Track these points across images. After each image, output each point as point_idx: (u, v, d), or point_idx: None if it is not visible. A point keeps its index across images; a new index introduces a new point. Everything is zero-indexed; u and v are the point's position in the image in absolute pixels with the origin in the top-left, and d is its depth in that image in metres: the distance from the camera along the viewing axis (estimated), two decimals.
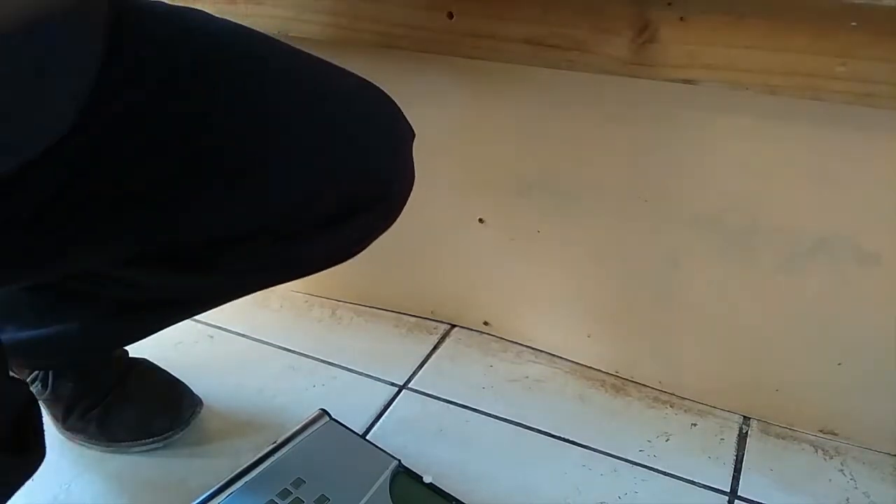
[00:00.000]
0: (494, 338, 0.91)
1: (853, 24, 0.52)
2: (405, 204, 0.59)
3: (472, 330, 0.92)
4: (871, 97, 0.54)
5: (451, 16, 0.65)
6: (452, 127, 0.78)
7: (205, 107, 0.50)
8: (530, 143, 0.75)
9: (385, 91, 0.57)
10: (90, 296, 0.63)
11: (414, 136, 0.58)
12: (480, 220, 0.83)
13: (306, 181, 0.52)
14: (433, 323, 0.94)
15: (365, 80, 0.57)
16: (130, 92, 0.48)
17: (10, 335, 0.64)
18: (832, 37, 0.54)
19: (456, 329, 0.93)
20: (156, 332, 0.66)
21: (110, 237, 0.52)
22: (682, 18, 0.57)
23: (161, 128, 0.49)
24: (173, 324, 0.66)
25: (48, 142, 0.45)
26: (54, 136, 0.45)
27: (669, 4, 0.57)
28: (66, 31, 0.42)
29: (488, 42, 0.65)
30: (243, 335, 0.91)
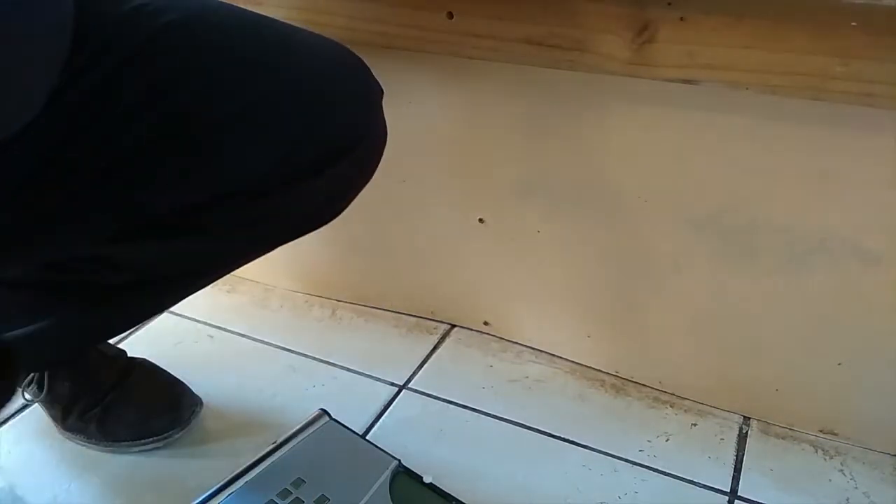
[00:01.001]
0: (494, 338, 0.91)
1: (853, 24, 0.52)
2: (380, 157, 0.60)
3: (472, 330, 0.92)
4: (870, 97, 0.54)
5: (450, 16, 0.65)
6: (453, 126, 0.78)
7: (171, 73, 0.50)
8: (530, 142, 0.75)
9: (361, 58, 0.58)
10: (77, 284, 0.62)
11: (383, 93, 0.59)
12: (480, 220, 0.83)
13: (277, 137, 0.52)
14: (433, 323, 0.94)
15: (332, 40, 0.57)
16: (96, 70, 0.48)
17: None
18: (832, 37, 0.54)
19: (456, 329, 0.93)
20: (151, 315, 0.66)
21: (90, 211, 0.52)
22: (681, 18, 0.57)
23: (130, 99, 0.49)
24: (168, 305, 0.65)
25: (18, 124, 0.45)
26: (25, 119, 0.45)
27: (669, 4, 0.57)
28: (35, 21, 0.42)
29: (488, 42, 0.66)
30: (243, 335, 0.91)
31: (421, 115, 0.71)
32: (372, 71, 0.58)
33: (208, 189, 0.53)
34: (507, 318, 0.89)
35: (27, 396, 0.72)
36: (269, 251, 0.63)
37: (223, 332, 0.91)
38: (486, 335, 0.91)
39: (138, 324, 0.66)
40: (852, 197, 0.63)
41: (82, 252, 0.60)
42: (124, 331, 0.70)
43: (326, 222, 0.61)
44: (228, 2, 0.56)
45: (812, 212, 0.65)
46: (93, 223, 0.53)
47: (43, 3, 0.43)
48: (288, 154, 0.53)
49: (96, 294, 0.63)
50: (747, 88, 0.57)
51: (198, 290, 0.66)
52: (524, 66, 0.66)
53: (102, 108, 0.49)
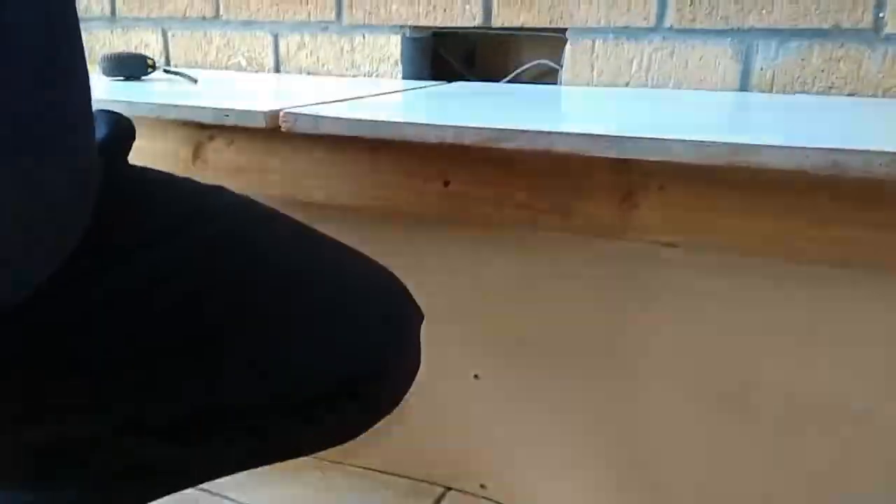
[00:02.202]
0: (492, 502, 0.87)
1: (823, 192, 0.56)
2: (409, 387, 0.57)
3: (467, 493, 0.89)
4: (846, 261, 0.56)
5: (446, 183, 0.70)
6: (448, 285, 0.80)
7: (201, 285, 0.51)
8: (525, 301, 0.77)
9: (390, 270, 0.58)
10: (82, 461, 0.61)
11: (422, 318, 0.58)
12: (476, 377, 0.83)
13: (301, 359, 0.51)
14: (426, 485, 0.90)
15: (369, 258, 0.58)
16: (118, 276, 0.49)
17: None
18: (804, 205, 0.57)
19: (451, 493, 0.89)
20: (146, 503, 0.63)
21: (104, 403, 0.51)
22: (661, 187, 0.61)
23: (156, 307, 0.50)
24: (163, 495, 0.63)
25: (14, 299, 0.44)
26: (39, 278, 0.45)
27: (649, 174, 0.61)
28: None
29: (483, 207, 0.69)
30: (233, 500, 0.87)
31: (418, 276, 0.73)
32: (409, 292, 0.57)
33: (227, 400, 0.53)
34: (506, 481, 0.86)
35: None
36: (275, 462, 0.61)
37: (208, 494, 0.88)
38: (483, 499, 0.88)
39: None
40: (840, 356, 0.64)
41: (91, 436, 0.59)
42: None
43: (339, 444, 0.59)
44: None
45: (801, 371, 0.66)
46: (104, 416, 0.53)
47: (61, 154, 0.42)
48: (311, 377, 0.52)
49: (101, 473, 0.61)
50: (728, 253, 0.60)
51: (194, 485, 0.64)
52: (516, 229, 0.69)
53: (127, 308, 0.49)
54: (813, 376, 0.65)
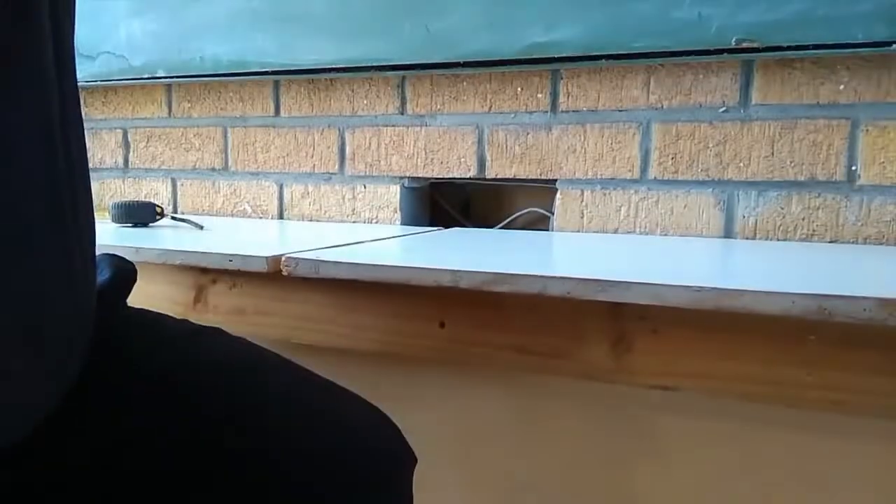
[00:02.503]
0: None
1: (811, 337, 0.57)
2: None
3: None
4: (840, 405, 0.56)
5: (442, 325, 0.71)
6: (443, 429, 0.79)
7: (195, 432, 0.50)
8: (520, 445, 0.75)
9: (383, 411, 0.58)
10: None
11: (415, 461, 0.57)
12: None
13: None
14: None
15: (361, 399, 0.58)
16: (102, 433, 0.48)
17: None
18: (795, 349, 0.58)
19: None
20: None
21: None
22: (654, 331, 0.62)
23: (153, 454, 0.49)
24: None
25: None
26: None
27: (642, 318, 0.62)
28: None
29: (477, 349, 0.70)
30: None
31: (413, 418, 0.72)
32: (404, 437, 0.57)
33: None
34: None
35: None
36: None
37: None
38: None
39: None
40: (837, 502, 0.62)
41: None
42: None
43: None
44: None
45: None
46: None
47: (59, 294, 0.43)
48: None
49: None
50: (724, 396, 0.60)
51: None
52: (512, 371, 0.69)
53: (117, 461, 0.48)
54: None
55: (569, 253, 0.88)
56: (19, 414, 0.43)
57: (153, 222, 1.06)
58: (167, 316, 0.59)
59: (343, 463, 0.53)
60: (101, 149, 1.42)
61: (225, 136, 1.31)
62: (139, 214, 1.05)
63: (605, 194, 1.04)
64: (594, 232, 1.05)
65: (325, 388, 0.58)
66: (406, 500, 0.57)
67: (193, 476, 0.49)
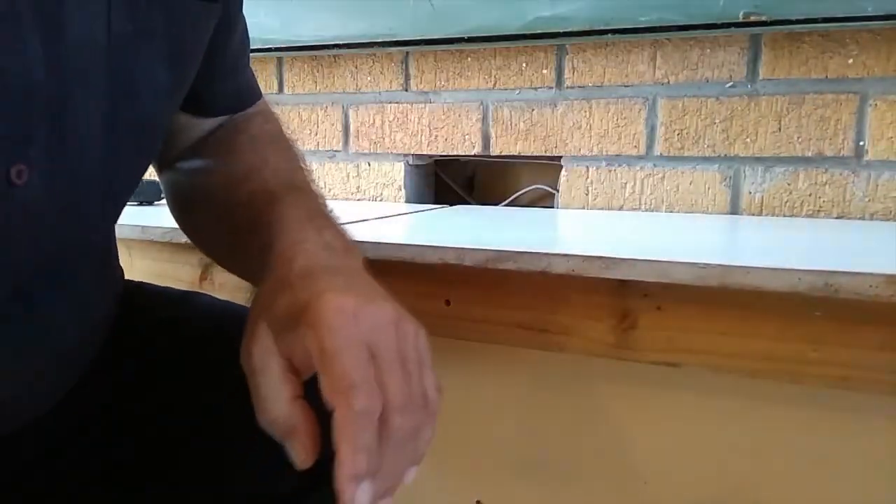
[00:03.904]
0: None
1: (817, 313, 0.57)
2: None
3: None
4: (846, 381, 0.56)
5: (448, 303, 0.71)
6: (449, 406, 0.79)
7: (198, 384, 0.52)
8: (527, 422, 0.76)
9: None
10: None
11: None
12: (478, 503, 0.80)
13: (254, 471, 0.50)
14: None
15: None
16: (111, 380, 0.50)
17: None
18: (800, 325, 0.58)
19: None
20: None
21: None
22: (658, 308, 0.62)
23: (137, 410, 0.51)
24: None
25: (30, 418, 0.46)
26: (38, 413, 0.46)
27: (646, 296, 0.62)
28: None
29: (483, 326, 0.70)
30: None
31: None
32: None
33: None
34: None
35: None
36: None
37: None
38: None
39: None
40: (847, 479, 0.62)
41: None
42: None
43: None
44: None
45: (808, 497, 0.64)
46: None
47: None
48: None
49: None
50: (728, 372, 0.60)
51: None
52: (517, 348, 0.70)
53: (109, 414, 0.50)
54: (816, 499, 0.63)
55: (573, 230, 0.88)
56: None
57: (158, 201, 1.06)
58: (149, 283, 0.59)
59: None
60: None
61: None
62: (144, 193, 1.05)
63: (610, 171, 1.03)
64: (599, 209, 1.04)
65: None
66: None
67: (208, 408, 0.51)
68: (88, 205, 0.40)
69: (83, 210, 0.40)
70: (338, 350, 0.33)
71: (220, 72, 0.52)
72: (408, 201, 1.17)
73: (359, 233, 0.74)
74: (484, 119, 1.10)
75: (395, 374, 0.35)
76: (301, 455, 0.35)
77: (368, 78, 1.17)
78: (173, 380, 0.52)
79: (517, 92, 1.07)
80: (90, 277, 0.46)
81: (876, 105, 0.89)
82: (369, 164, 1.19)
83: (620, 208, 1.03)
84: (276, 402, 0.35)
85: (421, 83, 1.13)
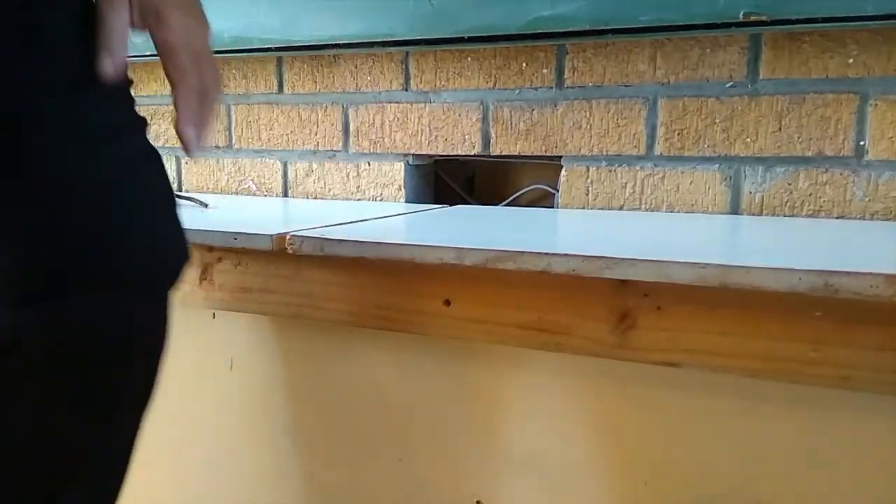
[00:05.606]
0: None
1: (817, 313, 0.57)
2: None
3: None
4: (847, 381, 0.56)
5: (447, 303, 0.71)
6: (449, 405, 0.79)
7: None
8: (527, 421, 0.76)
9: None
10: None
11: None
12: (479, 503, 0.80)
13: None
14: None
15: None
16: None
17: None
18: (800, 325, 0.58)
19: None
20: None
21: None
22: (658, 307, 0.62)
23: None
24: None
25: None
26: None
27: (646, 295, 0.62)
28: None
29: (482, 326, 0.70)
30: None
31: (418, 394, 0.73)
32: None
33: None
34: None
35: None
36: None
37: None
38: None
39: None
40: (847, 480, 0.62)
41: None
42: None
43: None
44: None
45: (811, 497, 0.64)
46: None
47: None
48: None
49: None
50: (728, 372, 0.60)
51: None
52: (517, 348, 0.69)
53: None
54: (816, 499, 0.63)
55: (574, 230, 0.88)
56: None
57: None
58: None
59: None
60: None
61: (228, 114, 1.30)
62: None
63: (610, 171, 1.03)
64: (599, 209, 1.04)
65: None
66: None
67: None
68: None
69: None
70: (177, 47, 0.53)
71: None
72: (408, 201, 1.17)
73: (359, 232, 0.74)
74: (484, 119, 1.09)
75: (206, 63, 0.56)
76: (109, 68, 0.49)
77: (368, 78, 1.17)
78: None
79: (517, 92, 1.07)
80: None
81: (876, 105, 0.89)
82: (369, 164, 1.19)
83: (620, 208, 1.03)
84: (118, 18, 0.50)
85: (421, 83, 1.13)
